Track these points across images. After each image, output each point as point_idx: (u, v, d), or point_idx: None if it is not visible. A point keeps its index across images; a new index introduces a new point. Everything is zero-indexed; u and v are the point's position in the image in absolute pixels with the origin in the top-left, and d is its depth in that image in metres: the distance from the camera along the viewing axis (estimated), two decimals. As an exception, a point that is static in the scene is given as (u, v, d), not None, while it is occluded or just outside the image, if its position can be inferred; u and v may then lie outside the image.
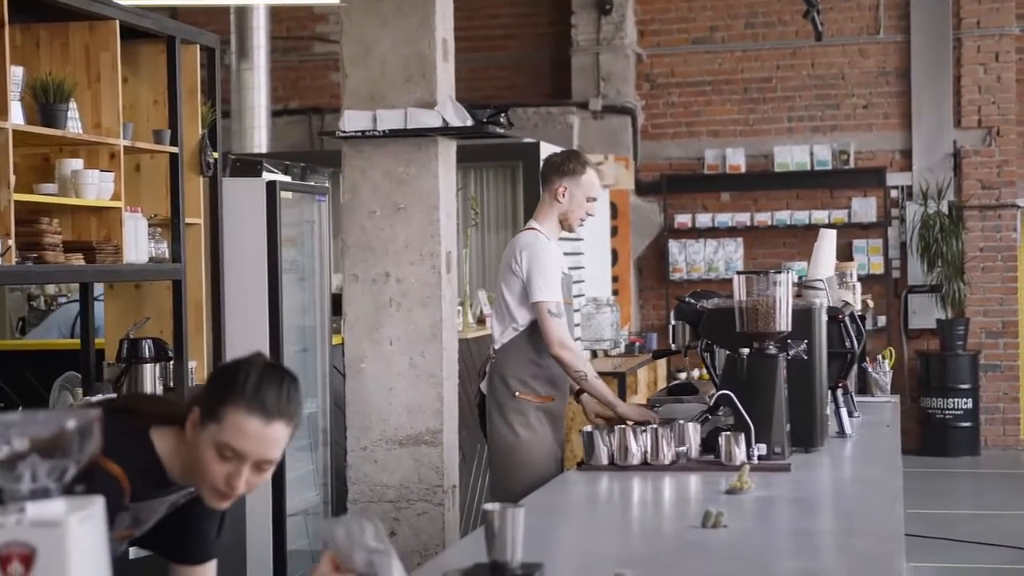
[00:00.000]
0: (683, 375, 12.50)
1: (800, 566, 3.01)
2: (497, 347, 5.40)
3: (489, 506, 2.76)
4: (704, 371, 12.43)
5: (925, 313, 12.70)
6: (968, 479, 11.81)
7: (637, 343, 11.37)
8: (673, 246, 13.06)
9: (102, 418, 2.66)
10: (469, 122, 6.06)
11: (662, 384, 11.29)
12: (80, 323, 5.86)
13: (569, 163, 5.42)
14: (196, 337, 5.89)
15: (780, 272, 4.46)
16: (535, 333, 5.30)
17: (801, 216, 12.80)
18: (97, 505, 1.80)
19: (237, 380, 2.61)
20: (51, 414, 1.80)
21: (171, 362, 5.62)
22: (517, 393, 5.28)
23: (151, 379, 5.46)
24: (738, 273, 4.50)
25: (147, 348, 5.46)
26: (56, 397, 5.74)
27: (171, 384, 5.65)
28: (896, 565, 2.95)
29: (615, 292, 12.40)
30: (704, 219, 13.03)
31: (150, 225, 5.55)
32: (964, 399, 12.37)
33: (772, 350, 4.43)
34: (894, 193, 12.87)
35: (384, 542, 2.48)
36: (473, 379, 7.38)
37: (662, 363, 11.34)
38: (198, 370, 5.90)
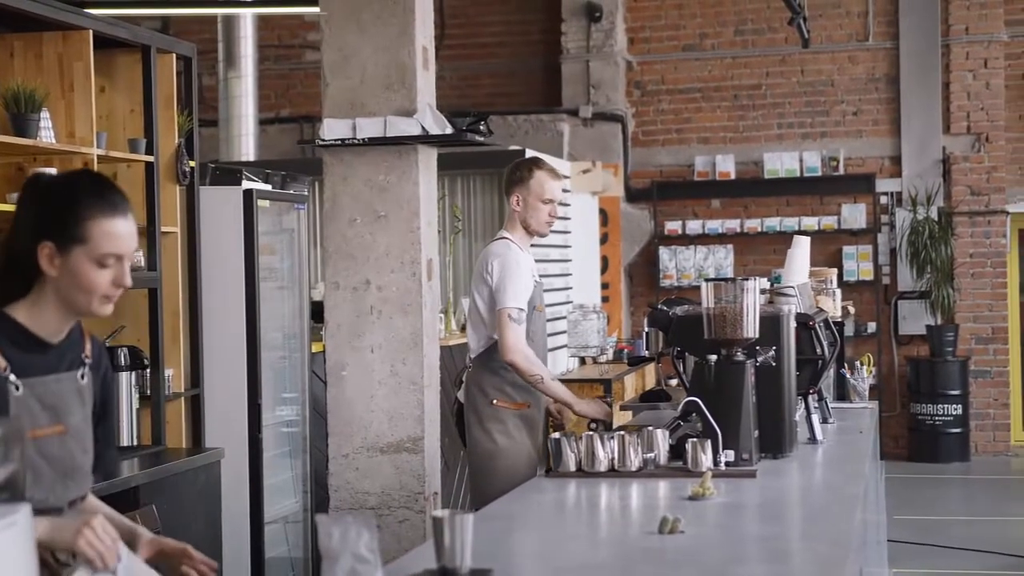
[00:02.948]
0: (674, 382, 12.50)
1: (751, 571, 3.03)
2: (473, 356, 5.49)
3: (438, 513, 2.79)
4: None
5: (915, 319, 12.71)
6: (958, 485, 11.81)
7: (626, 350, 11.38)
8: (664, 253, 13.07)
9: None
10: (448, 130, 6.08)
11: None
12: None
13: (517, 171, 5.56)
14: (173, 345, 5.91)
15: (748, 279, 4.47)
16: None
17: (791, 223, 12.81)
18: (22, 513, 1.82)
19: (80, 198, 2.70)
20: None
21: (147, 370, 5.63)
22: (494, 401, 5.38)
23: (127, 387, 5.47)
24: (706, 280, 4.52)
25: (123, 356, 5.48)
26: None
27: (147, 392, 5.66)
28: (847, 570, 2.96)
29: (605, 299, 12.42)
30: (694, 226, 13.04)
31: (127, 233, 5.56)
32: (954, 405, 12.38)
33: (740, 357, 4.44)
34: (884, 199, 12.88)
35: (374, 554, 2.51)
36: (456, 386, 7.40)
37: (651, 369, 11.35)
38: (175, 378, 5.92)
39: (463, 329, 8.10)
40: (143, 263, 5.64)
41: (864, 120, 12.97)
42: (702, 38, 13.24)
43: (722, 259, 13.00)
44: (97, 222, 2.70)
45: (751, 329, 4.42)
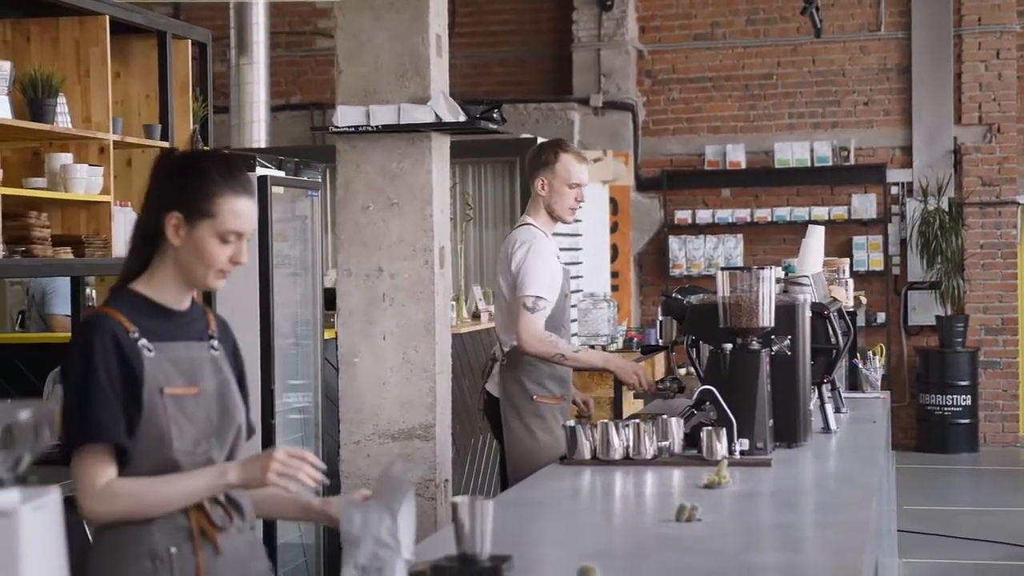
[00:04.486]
0: (683, 371, 12.50)
1: (768, 559, 3.03)
2: (507, 348, 5.33)
3: (458, 499, 2.79)
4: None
5: (925, 310, 12.71)
6: (967, 476, 11.82)
7: (636, 339, 11.38)
8: (673, 242, 13.07)
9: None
10: (462, 118, 6.08)
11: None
12: (71, 316, 5.88)
13: (542, 154, 5.38)
14: (187, 331, 5.91)
15: (764, 268, 4.47)
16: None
17: (801, 212, 12.81)
18: (51, 495, 1.82)
19: (211, 175, 2.84)
20: (4, 406, 1.83)
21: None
22: (535, 396, 5.24)
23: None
24: (722, 269, 4.52)
25: (137, 341, 5.47)
26: (50, 389, 5.76)
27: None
28: (865, 558, 2.96)
29: (615, 288, 12.42)
30: (704, 215, 13.04)
31: (141, 219, 5.57)
32: (963, 396, 12.38)
33: (755, 346, 4.43)
34: (894, 190, 12.87)
35: (395, 539, 2.53)
36: (467, 374, 7.39)
37: (661, 358, 11.35)
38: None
39: (475, 317, 8.11)
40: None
41: (875, 110, 12.95)
42: (713, 27, 13.23)
43: (732, 249, 12.99)
44: (225, 199, 2.82)
45: (767, 318, 4.42)
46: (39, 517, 1.79)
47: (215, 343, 2.96)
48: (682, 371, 12.32)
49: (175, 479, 2.79)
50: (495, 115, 6.35)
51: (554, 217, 5.37)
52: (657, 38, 13.33)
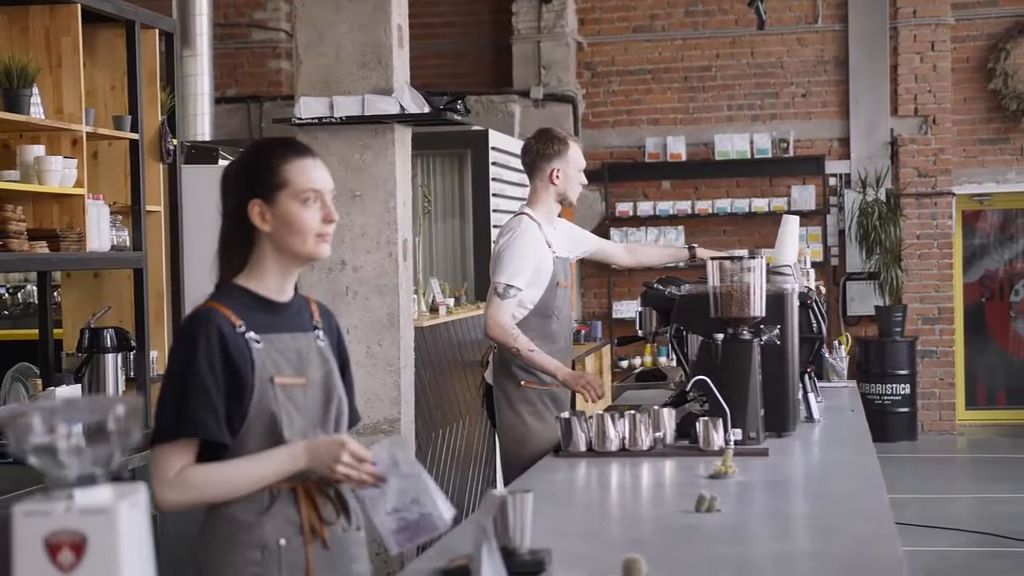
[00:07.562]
0: (624, 363, 12.55)
1: (800, 547, 3.03)
2: None
3: (498, 492, 2.76)
4: (651, 359, 12.45)
5: (863, 300, 12.84)
6: (906, 464, 11.94)
7: (582, 331, 11.41)
8: (615, 234, 13.08)
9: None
10: (426, 109, 6.04)
11: (607, 372, 11.34)
12: (38, 313, 5.75)
13: (553, 145, 5.39)
14: (157, 326, 5.81)
15: (754, 257, 4.47)
16: (535, 319, 5.26)
17: (741, 204, 12.88)
18: (141, 492, 1.77)
19: (269, 153, 2.91)
20: (97, 400, 1.78)
21: (133, 352, 5.53)
22: (523, 383, 5.28)
23: (113, 369, 5.37)
24: (712, 259, 4.51)
25: (108, 338, 5.38)
26: (8, 388, 5.64)
27: (132, 374, 5.57)
28: (895, 546, 2.97)
29: (557, 281, 12.42)
30: (645, 207, 13.08)
31: (110, 213, 5.47)
32: (902, 385, 12.51)
33: (746, 335, 4.44)
34: (832, 181, 12.99)
35: (416, 466, 2.56)
36: (427, 367, 7.35)
37: (607, 351, 11.40)
38: (159, 360, 5.83)
39: (433, 310, 8.05)
40: (128, 243, 5.54)
41: (813, 102, 13.06)
42: (652, 19, 13.26)
43: (673, 240, 13.03)
44: (291, 164, 2.88)
45: (758, 308, 4.43)
46: (134, 513, 1.74)
47: (320, 333, 2.99)
48: (624, 363, 12.35)
49: (245, 464, 2.79)
50: (459, 107, 6.32)
51: (565, 203, 5.44)
52: (596, 30, 13.34)
